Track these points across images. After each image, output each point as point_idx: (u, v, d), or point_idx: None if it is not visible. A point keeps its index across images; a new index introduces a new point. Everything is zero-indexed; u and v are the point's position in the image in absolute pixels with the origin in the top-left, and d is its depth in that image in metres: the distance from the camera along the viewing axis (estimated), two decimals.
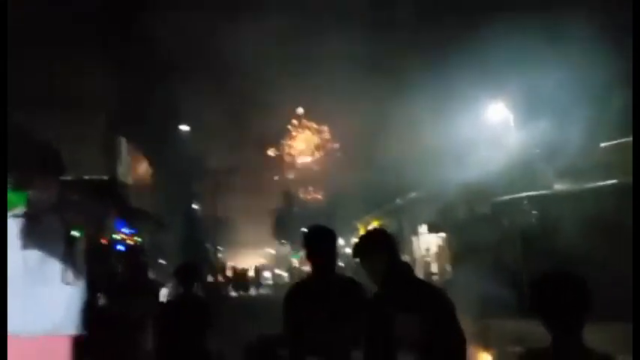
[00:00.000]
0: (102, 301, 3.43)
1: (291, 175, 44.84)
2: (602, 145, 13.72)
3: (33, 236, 3.08)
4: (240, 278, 27.95)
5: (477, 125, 16.73)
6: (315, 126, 40.53)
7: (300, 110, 40.77)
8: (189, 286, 4.61)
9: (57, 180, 3.25)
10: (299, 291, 3.65)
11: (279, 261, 65.22)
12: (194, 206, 30.62)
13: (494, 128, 16.46)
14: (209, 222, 36.47)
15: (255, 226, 53.57)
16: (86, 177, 3.62)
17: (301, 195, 45.24)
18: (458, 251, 17.60)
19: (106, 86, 8.45)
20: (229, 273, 31.66)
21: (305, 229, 3.78)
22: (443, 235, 21.30)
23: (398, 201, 24.09)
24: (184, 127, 21.49)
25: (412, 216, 23.83)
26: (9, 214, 3.08)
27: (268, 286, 39.75)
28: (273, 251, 69.99)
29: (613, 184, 11.57)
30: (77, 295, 3.09)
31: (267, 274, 48.76)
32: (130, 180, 8.71)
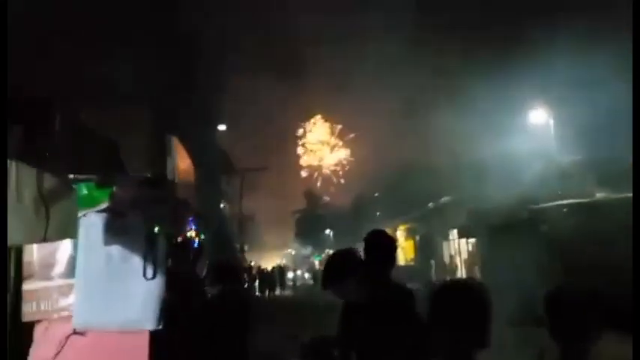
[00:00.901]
0: (182, 297, 3.46)
1: (315, 176, 44.87)
2: None
3: (116, 232, 3.13)
4: (267, 278, 28.02)
5: (516, 130, 16.50)
6: (330, 123, 40.39)
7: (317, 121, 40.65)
8: (231, 284, 4.67)
9: (139, 177, 3.29)
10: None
11: (300, 262, 65.43)
12: (222, 205, 30.90)
13: (535, 134, 16.20)
14: (235, 221, 36.74)
15: (278, 226, 53.88)
16: (147, 175, 3.67)
17: (325, 197, 45.26)
18: (489, 257, 17.39)
19: (154, 82, 8.57)
20: (254, 272, 31.82)
21: (367, 235, 3.77)
22: (473, 240, 21.09)
23: (429, 205, 23.92)
24: (222, 127, 21.75)
25: (443, 221, 23.62)
26: (93, 210, 3.13)
27: (292, 287, 39.82)
28: (293, 252, 70.27)
29: None
30: (158, 290, 3.12)
31: (290, 274, 48.94)
32: (176, 178, 8.79)
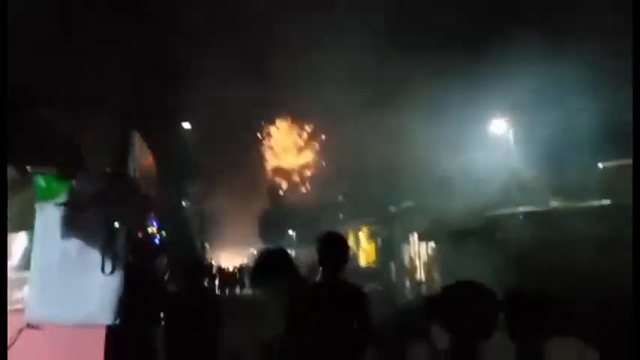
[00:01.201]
0: (139, 292, 3.44)
1: (279, 177, 44.77)
2: (601, 165, 13.95)
3: (74, 226, 3.09)
4: (229, 277, 27.78)
5: (478, 139, 16.91)
6: (296, 125, 40.40)
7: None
8: (193, 281, 4.68)
9: (100, 172, 3.27)
10: (312, 294, 3.72)
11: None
12: (184, 204, 30.51)
13: (495, 143, 16.64)
14: (197, 220, 36.30)
15: (241, 226, 53.44)
16: (108, 170, 3.64)
17: (289, 197, 45.20)
18: (447, 262, 17.75)
19: (118, 79, 8.44)
20: (215, 271, 31.51)
21: (321, 234, 3.85)
22: (433, 244, 21.46)
23: (391, 209, 24.21)
24: (186, 125, 21.52)
25: (404, 224, 23.94)
26: (50, 202, 3.09)
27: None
28: (256, 252, 69.81)
29: (609, 205, 11.78)
30: (116, 285, 3.10)
31: None
32: (137, 175, 8.65)
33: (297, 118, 40.32)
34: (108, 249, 3.07)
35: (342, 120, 23.24)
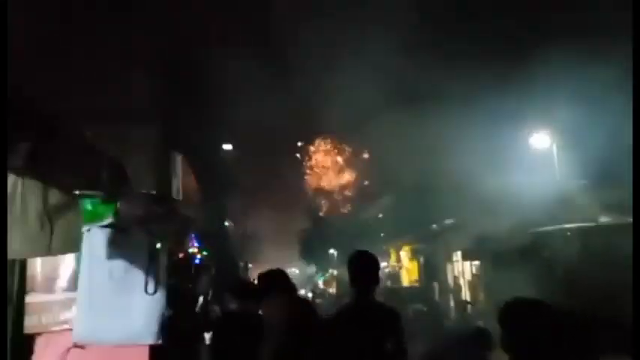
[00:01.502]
0: (183, 313, 3.51)
1: (320, 197, 44.84)
2: None
3: (119, 247, 3.19)
4: None
5: (520, 153, 16.51)
6: (334, 145, 40.39)
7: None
8: (248, 302, 4.66)
9: (143, 194, 3.36)
10: (342, 316, 3.68)
11: (304, 281, 65.08)
12: (226, 223, 30.91)
13: (538, 156, 16.21)
14: (240, 239, 36.72)
15: (283, 245, 53.74)
16: (151, 192, 3.73)
17: (330, 217, 45.15)
18: (493, 280, 17.28)
19: (158, 101, 8.69)
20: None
21: (351, 254, 3.82)
22: (477, 263, 20.97)
23: (434, 226, 23.85)
24: (227, 146, 21.96)
25: (447, 243, 23.52)
26: (97, 225, 3.20)
27: None
28: (297, 270, 69.95)
29: None
30: (159, 305, 3.17)
31: (310, 294, 48.77)
32: (180, 196, 8.89)
33: (338, 137, 40.41)
34: (150, 269, 3.15)
35: (383, 138, 23.15)
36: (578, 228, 13.05)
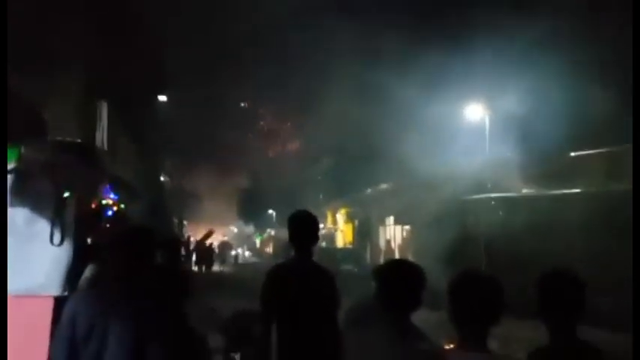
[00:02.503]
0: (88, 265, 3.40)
1: (260, 157, 44.53)
2: (573, 154, 14.18)
3: (22, 194, 3.03)
4: (205, 253, 27.68)
5: (453, 123, 16.98)
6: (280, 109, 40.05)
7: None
8: (174, 257, 4.61)
9: (55, 140, 3.20)
10: (281, 272, 3.75)
11: (241, 240, 65.23)
12: (162, 178, 30.21)
13: (470, 129, 16.73)
14: (175, 195, 36.03)
15: (220, 203, 53.25)
16: (63, 139, 3.54)
17: (270, 176, 45.06)
18: (421, 244, 18.00)
19: (87, 46, 8.20)
20: (192, 247, 31.40)
21: (292, 213, 3.86)
22: (408, 227, 21.73)
23: (369, 191, 24.35)
24: (162, 98, 21.17)
25: (380, 207, 24.12)
26: None
27: (233, 264, 39.68)
28: (235, 229, 69.92)
29: (578, 193, 12.00)
30: (64, 256, 3.06)
31: (232, 252, 48.73)
32: (105, 146, 8.53)
33: (279, 101, 39.97)
34: (57, 219, 3.01)
35: (322, 102, 23.12)
36: (502, 197, 13.74)
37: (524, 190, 13.94)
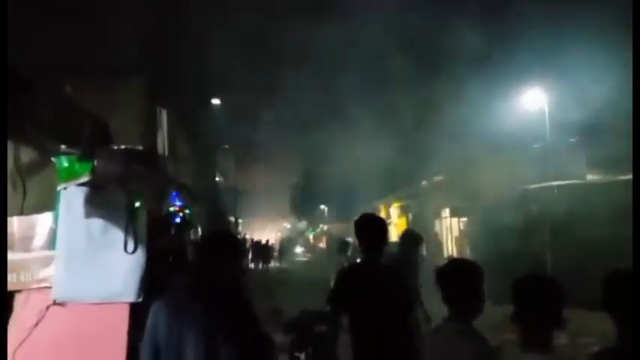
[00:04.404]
0: (161, 271, 3.49)
1: (310, 151, 44.72)
2: None
3: (97, 205, 3.13)
4: (261, 251, 28.17)
5: (510, 110, 16.41)
6: None
7: None
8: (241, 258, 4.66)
9: (123, 150, 3.29)
10: (351, 273, 3.78)
11: (295, 235, 65.95)
12: (217, 179, 30.89)
13: (529, 115, 16.13)
14: (231, 194, 36.81)
15: (274, 200, 54.02)
16: (131, 147, 3.65)
17: (321, 172, 45.19)
18: (480, 236, 17.54)
19: (144, 55, 8.45)
20: (248, 245, 32.04)
21: (360, 217, 3.87)
22: (465, 219, 21.25)
23: (423, 183, 23.97)
24: (215, 101, 21.68)
25: (436, 199, 23.72)
26: (73, 183, 3.13)
27: (287, 260, 40.15)
28: (289, 225, 70.74)
29: None
30: (138, 263, 3.15)
31: (299, 249, 49.41)
32: (166, 152, 8.79)
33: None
34: (129, 228, 3.11)
35: (374, 93, 22.95)
36: (566, 185, 13.19)
37: (589, 177, 13.33)
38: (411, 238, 6.54)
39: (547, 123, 15.12)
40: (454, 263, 2.62)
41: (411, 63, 18.71)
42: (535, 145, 15.39)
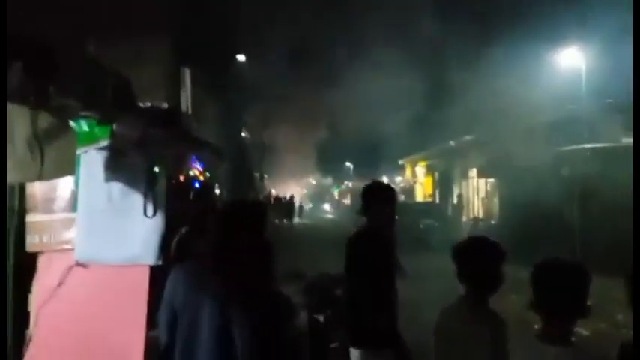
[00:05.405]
0: (180, 236, 3.52)
1: (336, 108, 44.26)
2: None
3: (116, 169, 3.14)
4: (284, 207, 28.45)
5: (546, 70, 15.77)
6: None
7: None
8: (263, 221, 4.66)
9: (142, 116, 3.25)
10: (363, 237, 3.77)
11: (320, 192, 66.30)
12: (243, 135, 30.97)
13: (565, 75, 15.49)
14: (256, 151, 36.97)
15: (299, 156, 54.04)
16: (152, 105, 3.62)
17: (347, 129, 44.79)
18: (508, 198, 17.28)
19: (168, 11, 8.31)
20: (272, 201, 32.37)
21: (367, 184, 3.82)
22: (492, 180, 20.92)
23: (451, 143, 23.57)
24: (240, 57, 21.42)
25: (463, 159, 23.36)
26: (93, 147, 3.12)
27: (310, 216, 40.54)
28: (314, 182, 71.10)
29: None
30: (157, 227, 3.17)
31: (309, 204, 49.72)
32: (190, 110, 8.76)
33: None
34: (149, 193, 3.11)
35: (406, 50, 22.32)
36: (600, 148, 12.76)
37: (625, 140, 12.85)
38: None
39: (583, 83, 14.52)
40: (473, 241, 2.51)
41: (445, 19, 18.05)
42: (570, 106, 14.85)
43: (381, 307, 3.55)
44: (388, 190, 3.81)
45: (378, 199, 3.71)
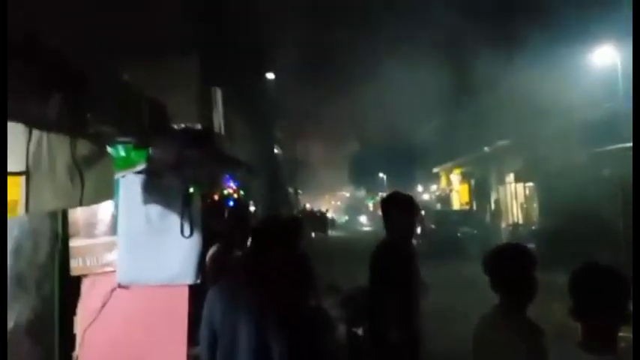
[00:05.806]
0: (217, 254, 3.57)
1: (367, 119, 44.26)
2: None
3: (153, 192, 3.23)
4: (317, 220, 28.46)
5: (581, 68, 15.37)
6: None
7: None
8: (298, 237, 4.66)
9: (176, 138, 3.33)
10: (382, 250, 3.71)
11: (354, 204, 66.09)
12: (276, 151, 31.27)
13: (600, 74, 15.06)
14: (289, 166, 37.23)
15: (332, 169, 54.15)
16: (186, 127, 3.71)
17: (379, 140, 44.70)
18: (547, 202, 16.84)
19: (195, 33, 8.50)
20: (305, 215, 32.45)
21: (385, 195, 3.78)
22: (531, 184, 20.43)
23: (486, 149, 23.16)
24: (270, 75, 21.74)
25: (499, 165, 22.93)
26: (131, 171, 3.22)
27: (345, 229, 40.40)
28: (348, 194, 71.01)
29: None
30: (195, 247, 3.23)
31: (345, 217, 49.60)
32: (223, 129, 8.93)
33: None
34: (185, 213, 3.19)
35: (435, 59, 22.19)
36: None
37: None
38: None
39: (620, 81, 14.09)
40: (503, 249, 2.44)
41: (476, 23, 17.85)
42: (607, 105, 14.42)
43: (400, 321, 3.47)
44: (405, 200, 3.70)
45: (395, 210, 3.64)
